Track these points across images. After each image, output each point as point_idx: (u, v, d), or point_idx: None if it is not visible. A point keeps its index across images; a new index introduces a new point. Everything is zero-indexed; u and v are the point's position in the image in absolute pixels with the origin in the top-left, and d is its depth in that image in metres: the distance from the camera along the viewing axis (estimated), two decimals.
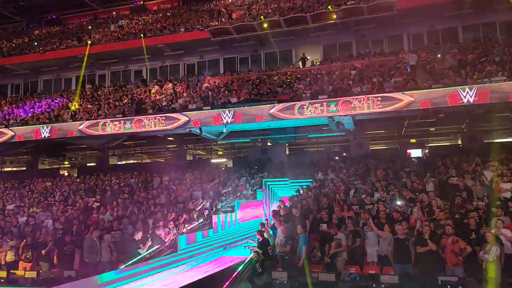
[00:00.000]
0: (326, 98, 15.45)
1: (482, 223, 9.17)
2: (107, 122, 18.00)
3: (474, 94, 13.71)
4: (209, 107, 17.16)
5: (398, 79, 16.53)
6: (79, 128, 18.32)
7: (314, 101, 15.45)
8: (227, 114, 16.26)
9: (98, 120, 18.32)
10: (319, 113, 15.28)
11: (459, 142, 19.86)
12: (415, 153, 19.20)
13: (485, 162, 13.85)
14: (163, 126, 17.19)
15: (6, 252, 11.19)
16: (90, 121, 18.49)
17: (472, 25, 20.48)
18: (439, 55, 18.12)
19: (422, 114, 16.30)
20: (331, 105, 15.09)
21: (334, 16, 20.46)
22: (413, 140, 20.24)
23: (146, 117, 17.58)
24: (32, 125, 19.74)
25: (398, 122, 18.68)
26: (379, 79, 16.79)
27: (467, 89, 13.80)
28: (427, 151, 19.65)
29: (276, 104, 15.89)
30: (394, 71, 17.56)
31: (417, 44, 20.83)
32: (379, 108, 14.55)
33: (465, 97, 13.77)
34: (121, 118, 17.99)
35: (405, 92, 14.52)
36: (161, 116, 17.31)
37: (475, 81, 14.41)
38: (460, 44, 19.79)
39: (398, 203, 11.37)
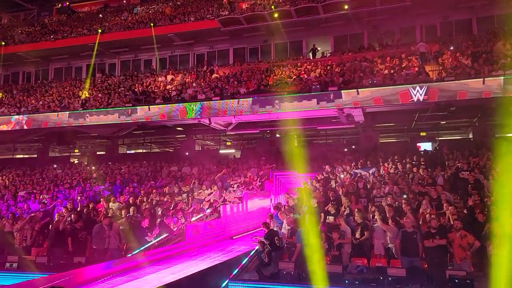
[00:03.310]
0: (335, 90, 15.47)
1: (492, 218, 9.08)
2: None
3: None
4: (218, 98, 17.17)
5: (410, 71, 16.31)
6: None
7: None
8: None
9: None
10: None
11: (470, 136, 19.60)
12: (425, 146, 19.00)
13: (496, 156, 13.65)
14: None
15: (26, 234, 11.38)
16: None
17: (486, 16, 20.06)
18: (451, 47, 17.82)
19: (433, 107, 16.10)
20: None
21: (346, 7, 20.19)
22: (423, 133, 20.02)
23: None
24: (43, 113, 19.98)
25: (408, 115, 18.48)
26: (391, 71, 16.58)
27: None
28: (437, 144, 19.43)
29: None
30: (405, 63, 17.32)
31: (429, 36, 20.49)
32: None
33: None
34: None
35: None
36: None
37: (489, 73, 14.17)
38: (474, 36, 19.41)
39: (407, 196, 11.29)
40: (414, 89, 14.26)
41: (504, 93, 13.51)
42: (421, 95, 14.19)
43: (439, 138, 20.46)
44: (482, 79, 13.89)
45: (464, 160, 13.94)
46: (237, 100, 16.78)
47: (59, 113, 19.49)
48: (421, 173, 12.90)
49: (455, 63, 16.20)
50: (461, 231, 8.39)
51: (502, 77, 13.79)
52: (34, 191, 16.89)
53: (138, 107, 18.32)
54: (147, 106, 18.17)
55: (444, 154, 15.71)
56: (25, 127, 20.02)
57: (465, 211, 9.96)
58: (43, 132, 21.48)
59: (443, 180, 12.47)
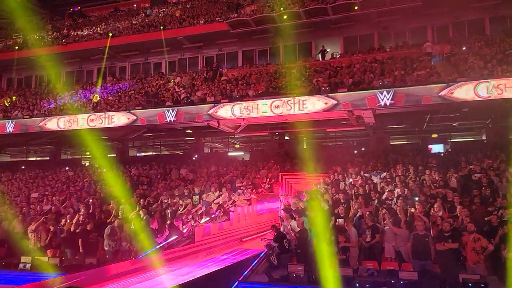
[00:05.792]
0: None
1: (506, 221, 8.91)
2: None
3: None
4: (227, 100, 17.19)
5: (421, 72, 16.15)
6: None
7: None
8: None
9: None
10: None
11: (483, 137, 19.30)
12: (437, 148, 18.78)
13: (511, 158, 13.43)
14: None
15: (40, 235, 11.51)
16: None
17: (499, 16, 19.77)
18: (464, 48, 17.59)
19: (445, 108, 15.91)
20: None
21: (356, 8, 20.08)
22: (434, 135, 19.79)
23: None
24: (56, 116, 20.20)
25: (420, 116, 18.28)
26: (401, 72, 16.43)
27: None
28: (449, 146, 19.19)
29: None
30: (416, 64, 17.15)
31: (441, 37, 20.26)
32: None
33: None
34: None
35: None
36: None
37: (503, 74, 13.95)
38: (487, 36, 19.14)
39: (418, 199, 11.16)
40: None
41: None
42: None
43: (451, 140, 20.20)
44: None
45: (477, 162, 13.72)
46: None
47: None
48: (433, 176, 12.73)
49: (467, 63, 16.01)
50: (474, 234, 8.25)
51: None
52: (47, 193, 17.11)
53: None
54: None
55: (456, 156, 15.50)
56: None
57: (478, 214, 9.76)
58: (56, 134, 21.72)
59: (456, 182, 12.28)
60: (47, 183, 19.06)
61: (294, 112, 15.36)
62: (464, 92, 13.52)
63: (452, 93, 13.66)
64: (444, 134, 20.05)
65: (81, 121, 18.54)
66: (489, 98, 13.31)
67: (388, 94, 14.26)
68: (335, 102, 14.86)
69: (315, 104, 15.14)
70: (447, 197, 10.77)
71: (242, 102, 16.25)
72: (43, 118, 19.66)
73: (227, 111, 16.32)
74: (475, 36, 19.08)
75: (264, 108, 15.76)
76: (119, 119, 18.04)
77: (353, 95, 14.88)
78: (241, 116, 16.23)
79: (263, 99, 16.17)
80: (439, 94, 13.77)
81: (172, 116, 17.08)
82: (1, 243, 12.02)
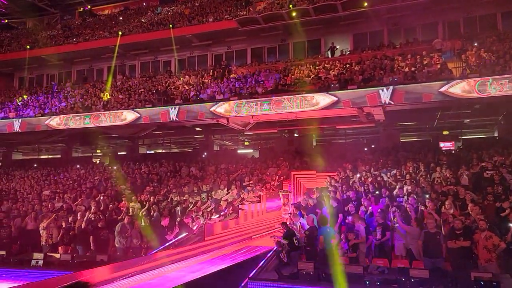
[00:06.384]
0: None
1: None
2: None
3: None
4: (236, 98, 17.21)
5: (432, 69, 15.97)
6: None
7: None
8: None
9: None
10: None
11: (496, 134, 19.02)
12: (448, 145, 18.55)
13: None
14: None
15: (52, 232, 11.69)
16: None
17: (511, 11, 19.42)
18: (475, 44, 17.34)
19: (456, 104, 15.72)
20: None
21: (365, 4, 19.91)
22: (446, 132, 19.53)
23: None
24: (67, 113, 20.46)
25: (431, 113, 18.07)
26: (412, 69, 16.27)
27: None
28: (460, 143, 18.95)
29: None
30: (427, 60, 16.96)
31: (452, 33, 19.99)
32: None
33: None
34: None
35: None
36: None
37: None
38: (499, 31, 18.83)
39: (429, 196, 11.06)
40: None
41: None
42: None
43: (463, 137, 19.93)
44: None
45: (489, 159, 13.55)
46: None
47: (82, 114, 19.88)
48: (444, 173, 12.60)
49: (479, 59, 15.78)
50: (486, 232, 8.15)
51: None
52: (58, 190, 17.33)
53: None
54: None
55: (468, 152, 15.31)
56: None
57: (490, 211, 9.64)
58: (67, 133, 21.99)
59: (467, 179, 12.14)
60: (59, 180, 19.31)
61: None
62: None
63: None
64: (455, 131, 19.78)
65: (86, 120, 18.80)
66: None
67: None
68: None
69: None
70: (458, 194, 10.66)
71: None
72: (48, 116, 19.93)
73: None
74: (487, 31, 18.78)
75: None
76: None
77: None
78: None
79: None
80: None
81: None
82: (14, 240, 12.24)
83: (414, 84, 14.50)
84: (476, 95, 13.42)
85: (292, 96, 15.62)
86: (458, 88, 13.61)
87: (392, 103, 14.43)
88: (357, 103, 14.87)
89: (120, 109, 18.97)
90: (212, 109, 16.74)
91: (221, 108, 16.65)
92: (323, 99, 15.12)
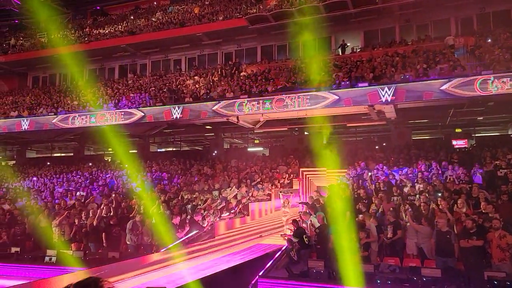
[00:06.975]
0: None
1: None
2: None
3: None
4: (246, 96, 17.21)
5: (444, 66, 15.75)
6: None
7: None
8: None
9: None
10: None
11: (510, 132, 18.70)
12: (461, 143, 18.30)
13: None
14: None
15: (64, 229, 11.84)
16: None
17: None
18: (489, 40, 17.05)
19: (469, 102, 15.48)
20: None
21: (377, 0, 19.71)
22: (458, 130, 19.27)
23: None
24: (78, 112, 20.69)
25: (443, 111, 17.84)
26: (423, 66, 16.07)
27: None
28: (474, 141, 18.67)
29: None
30: (439, 57, 16.73)
31: (465, 29, 19.68)
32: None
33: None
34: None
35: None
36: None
37: None
38: None
39: (441, 195, 10.92)
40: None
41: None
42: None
43: (476, 135, 19.64)
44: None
45: (503, 157, 13.32)
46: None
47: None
48: (457, 171, 12.44)
49: (492, 56, 15.51)
50: (499, 231, 8.02)
51: None
52: (71, 188, 17.56)
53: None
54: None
55: (481, 151, 15.08)
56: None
57: (504, 210, 9.47)
58: (81, 131, 22.24)
59: (480, 178, 11.96)
60: (71, 178, 19.56)
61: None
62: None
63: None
64: (468, 129, 19.50)
65: (92, 119, 19.03)
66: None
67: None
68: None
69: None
70: (471, 193, 10.51)
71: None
72: (54, 115, 20.21)
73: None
74: (501, 27, 18.44)
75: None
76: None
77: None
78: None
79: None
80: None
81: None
82: (28, 237, 12.43)
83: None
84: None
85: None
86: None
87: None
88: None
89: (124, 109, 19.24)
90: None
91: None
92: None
